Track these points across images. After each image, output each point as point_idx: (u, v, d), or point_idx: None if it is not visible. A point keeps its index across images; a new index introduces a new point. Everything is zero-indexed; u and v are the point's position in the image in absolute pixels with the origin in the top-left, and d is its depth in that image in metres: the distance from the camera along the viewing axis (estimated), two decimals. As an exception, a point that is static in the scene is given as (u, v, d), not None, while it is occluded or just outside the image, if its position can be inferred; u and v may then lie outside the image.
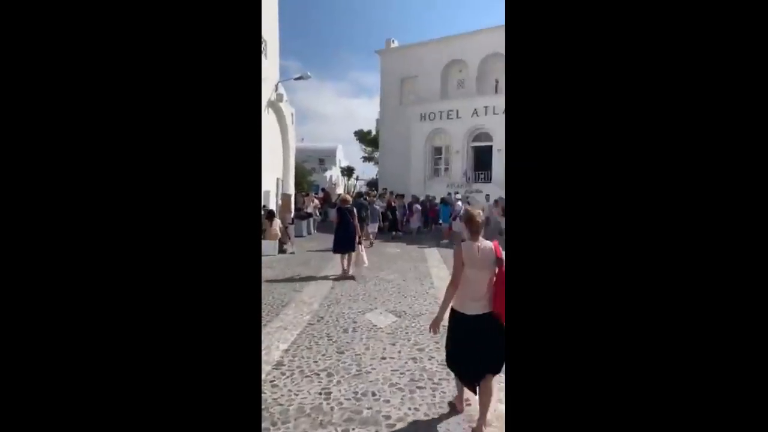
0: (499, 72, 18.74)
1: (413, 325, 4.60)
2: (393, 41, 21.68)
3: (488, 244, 2.56)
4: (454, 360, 2.66)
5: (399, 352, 3.82)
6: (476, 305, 2.50)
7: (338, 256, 7.07)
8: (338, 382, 3.19)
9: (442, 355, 3.58)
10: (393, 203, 13.11)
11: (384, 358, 3.65)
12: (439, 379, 3.27)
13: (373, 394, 3.01)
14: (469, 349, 2.51)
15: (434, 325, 2.65)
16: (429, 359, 3.65)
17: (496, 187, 15.71)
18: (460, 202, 11.39)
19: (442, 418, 2.75)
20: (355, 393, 3.03)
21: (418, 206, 13.39)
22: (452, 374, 2.99)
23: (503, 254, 2.52)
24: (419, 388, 3.14)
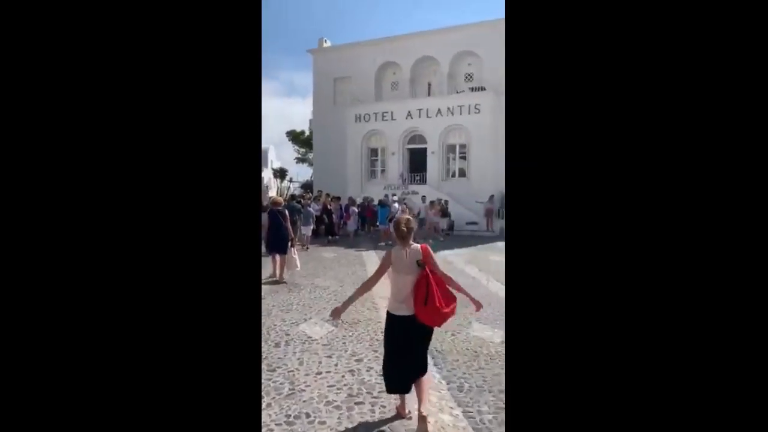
0: (431, 75, 19.17)
1: (350, 334, 4.38)
2: (325, 41, 21.34)
3: (416, 247, 2.62)
4: (386, 361, 2.70)
5: (336, 365, 3.58)
6: (403, 307, 2.58)
7: (269, 261, 6.69)
8: (268, 404, 2.89)
9: (380, 364, 3.41)
10: (329, 206, 12.78)
11: (319, 373, 3.40)
12: (379, 392, 3.09)
13: (308, 416, 2.75)
14: (397, 351, 2.60)
15: (334, 313, 2.79)
16: (368, 370, 3.46)
17: (432, 189, 15.99)
18: (396, 204, 11.38)
19: (383, 436, 2.56)
20: (288, 416, 2.75)
21: (355, 208, 13.20)
22: None
23: (433, 258, 2.64)
24: (358, 404, 2.93)
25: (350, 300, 2.79)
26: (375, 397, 3.01)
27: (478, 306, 2.68)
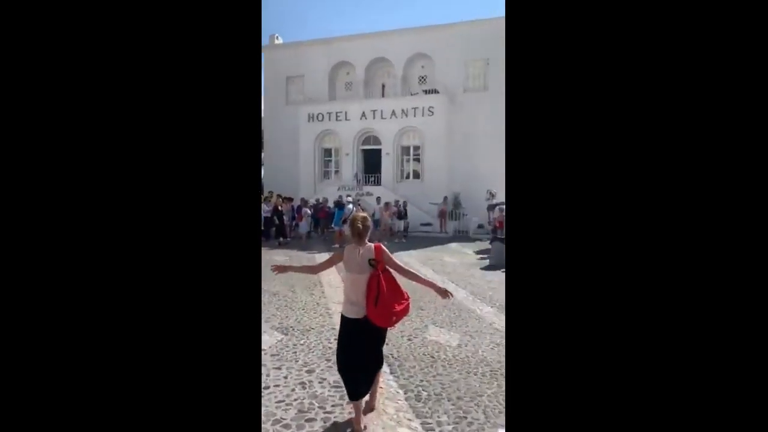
0: (385, 77, 19.14)
1: (302, 342, 4.12)
2: (277, 38, 20.72)
3: (370, 246, 2.54)
4: (342, 367, 2.61)
5: (285, 377, 3.31)
6: (355, 309, 2.49)
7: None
8: (207, 428, 2.58)
9: (334, 374, 3.19)
10: (280, 207, 12.31)
11: (267, 388, 3.12)
12: (332, 406, 2.87)
13: (252, 438, 2.48)
14: (352, 354, 2.52)
15: (276, 268, 2.89)
16: (320, 382, 3.22)
17: (386, 190, 15.92)
18: (351, 205, 11.16)
19: (336, 456, 2.35)
20: (229, 440, 2.45)
21: (308, 210, 12.82)
22: (345, 395, 2.78)
23: (388, 255, 2.57)
24: (309, 421, 2.69)
25: (292, 268, 2.99)
26: (328, 412, 2.79)
27: (445, 294, 2.57)
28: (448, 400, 2.99)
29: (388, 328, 2.64)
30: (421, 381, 3.30)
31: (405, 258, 9.29)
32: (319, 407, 2.85)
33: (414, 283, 2.67)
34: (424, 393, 3.10)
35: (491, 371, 3.52)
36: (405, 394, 3.08)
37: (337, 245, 10.72)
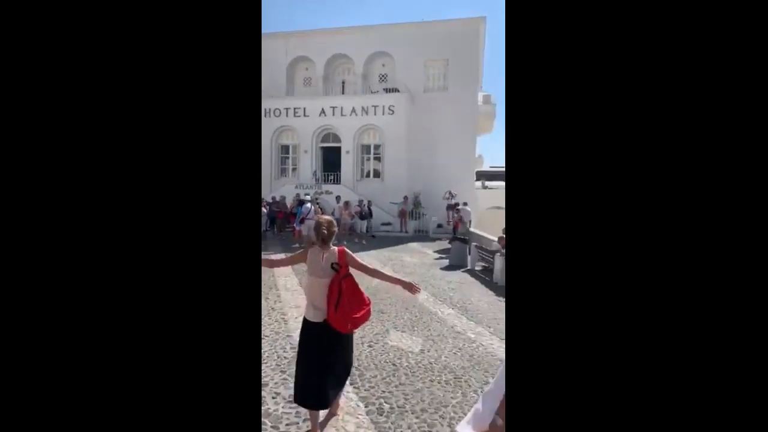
0: (345, 74, 18.84)
1: (255, 352, 3.82)
2: (233, 28, 19.84)
3: (334, 250, 2.50)
4: (300, 372, 2.47)
5: (235, 394, 3.02)
6: (318, 313, 2.44)
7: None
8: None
9: (289, 389, 2.95)
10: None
11: (214, 407, 2.82)
12: (287, 425, 2.62)
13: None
14: (313, 360, 2.43)
15: None
16: (273, 397, 2.96)
17: (346, 189, 15.64)
18: (309, 204, 10.82)
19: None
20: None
21: (264, 209, 12.32)
22: (302, 411, 2.66)
23: (351, 257, 2.52)
24: (260, 443, 2.44)
25: None
26: (282, 433, 2.55)
27: (414, 288, 2.56)
28: (412, 413, 2.83)
29: (353, 337, 2.62)
30: (383, 392, 3.12)
31: (365, 258, 9.09)
32: (272, 427, 2.60)
33: (377, 281, 2.64)
34: (387, 405, 2.93)
35: (455, 378, 3.40)
36: (366, 407, 2.89)
37: (296, 244, 10.35)
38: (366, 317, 2.51)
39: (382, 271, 2.66)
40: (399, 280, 2.60)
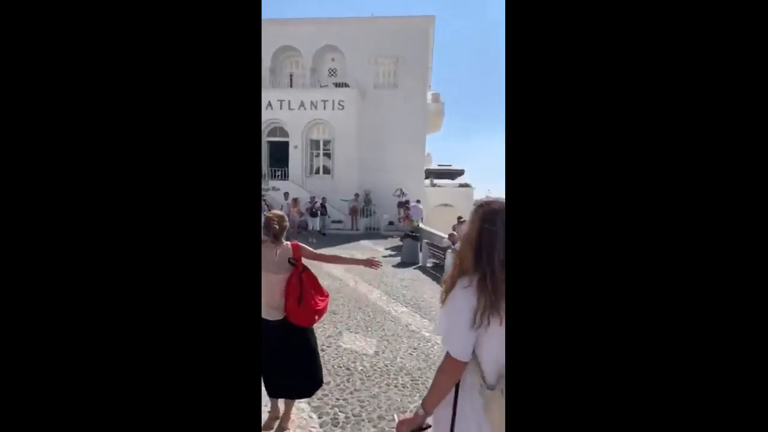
0: (293, 67, 18.28)
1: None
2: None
3: (287, 245, 2.46)
4: (265, 374, 2.43)
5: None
6: (275, 311, 2.38)
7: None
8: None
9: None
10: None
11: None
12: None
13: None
14: (277, 361, 2.36)
15: None
16: (216, 414, 2.67)
17: (295, 185, 15.18)
18: (255, 201, 10.32)
19: None
20: None
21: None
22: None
23: (307, 249, 2.51)
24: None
25: None
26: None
27: (375, 264, 2.55)
28: (369, 421, 2.66)
29: (315, 336, 2.58)
30: (338, 400, 2.93)
31: (315, 257, 8.84)
32: None
33: (334, 266, 2.53)
34: (342, 415, 2.74)
35: (412, 381, 3.28)
36: (320, 418, 2.69)
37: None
38: (326, 309, 2.53)
39: (338, 255, 2.76)
40: (358, 260, 2.61)
